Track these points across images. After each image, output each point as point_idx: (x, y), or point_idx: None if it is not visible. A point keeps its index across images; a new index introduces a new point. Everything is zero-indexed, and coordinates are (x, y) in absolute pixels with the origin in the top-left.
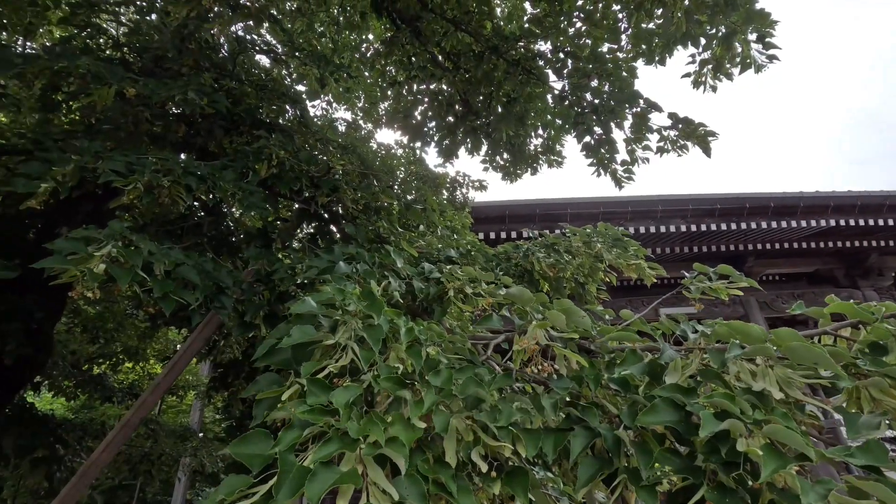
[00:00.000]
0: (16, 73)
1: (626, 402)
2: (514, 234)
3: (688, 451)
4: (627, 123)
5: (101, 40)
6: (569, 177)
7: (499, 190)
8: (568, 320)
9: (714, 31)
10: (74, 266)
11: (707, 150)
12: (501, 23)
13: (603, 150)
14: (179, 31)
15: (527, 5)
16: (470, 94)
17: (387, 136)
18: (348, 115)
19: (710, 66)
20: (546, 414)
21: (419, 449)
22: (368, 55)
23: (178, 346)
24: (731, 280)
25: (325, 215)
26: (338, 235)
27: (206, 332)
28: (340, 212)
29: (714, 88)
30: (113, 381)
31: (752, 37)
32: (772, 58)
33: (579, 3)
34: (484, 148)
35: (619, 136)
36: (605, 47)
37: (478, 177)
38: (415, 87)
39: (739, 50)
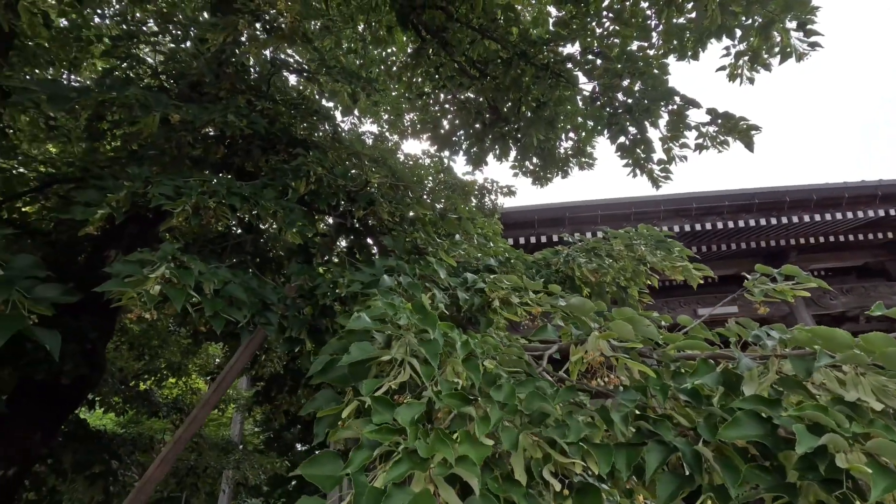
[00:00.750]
0: (69, 106)
1: (701, 414)
2: (543, 239)
3: (771, 465)
4: (663, 121)
5: (141, 70)
6: (596, 177)
7: (526, 194)
8: (634, 330)
9: (750, 21)
10: (132, 288)
11: (750, 145)
12: (528, 28)
13: (639, 151)
14: (217, 56)
15: (551, 8)
16: (498, 101)
17: (412, 147)
18: (374, 128)
19: (746, 58)
20: (616, 428)
21: (486, 467)
22: (395, 69)
23: (218, 360)
24: (797, 281)
25: (361, 228)
26: (374, 248)
27: (251, 348)
28: (375, 224)
29: (751, 80)
30: (158, 397)
31: (792, 25)
32: (814, 45)
33: (606, 2)
34: (513, 153)
35: (654, 134)
36: (634, 45)
37: (506, 182)
38: (442, 97)
39: (778, 39)
